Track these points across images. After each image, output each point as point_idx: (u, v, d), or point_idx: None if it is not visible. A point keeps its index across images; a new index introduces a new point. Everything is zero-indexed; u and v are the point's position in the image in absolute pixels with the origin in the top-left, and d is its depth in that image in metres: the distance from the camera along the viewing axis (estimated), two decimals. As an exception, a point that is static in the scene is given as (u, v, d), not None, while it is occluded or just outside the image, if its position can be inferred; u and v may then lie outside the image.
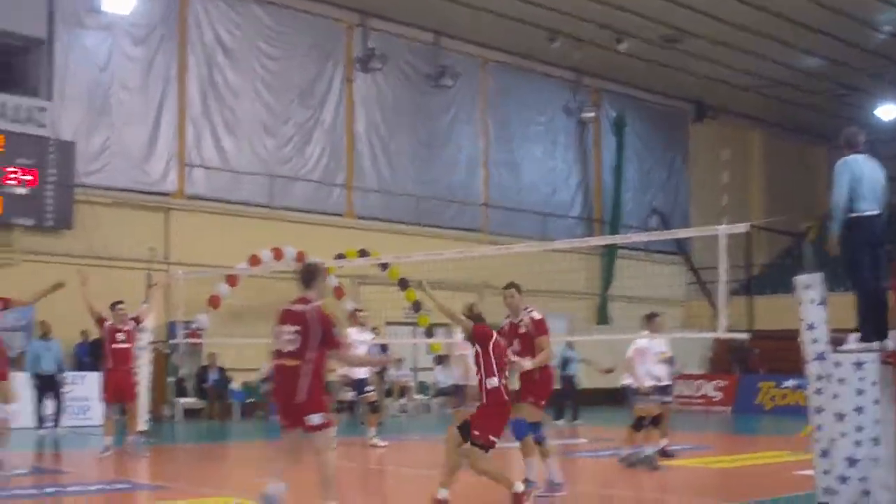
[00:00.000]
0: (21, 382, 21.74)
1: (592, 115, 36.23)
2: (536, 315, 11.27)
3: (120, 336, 15.65)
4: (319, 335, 9.03)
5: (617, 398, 31.02)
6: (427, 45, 32.00)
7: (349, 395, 18.23)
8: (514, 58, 34.16)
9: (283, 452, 9.36)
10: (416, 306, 27.24)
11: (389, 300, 26.77)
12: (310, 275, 9.45)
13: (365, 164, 30.45)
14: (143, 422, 18.72)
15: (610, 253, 35.17)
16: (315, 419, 8.96)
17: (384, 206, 30.59)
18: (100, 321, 15.68)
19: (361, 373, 17.48)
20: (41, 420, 20.31)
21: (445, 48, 32.24)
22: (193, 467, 15.31)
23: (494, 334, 9.99)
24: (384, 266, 26.41)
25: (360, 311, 18.58)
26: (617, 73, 36.13)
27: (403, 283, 27.08)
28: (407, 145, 31.58)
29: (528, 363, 10.90)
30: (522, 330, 11.15)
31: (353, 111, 30.33)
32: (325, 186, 29.38)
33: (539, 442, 11.09)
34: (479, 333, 9.94)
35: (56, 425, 20.13)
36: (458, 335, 14.79)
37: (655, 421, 14.88)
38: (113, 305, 15.79)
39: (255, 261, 25.15)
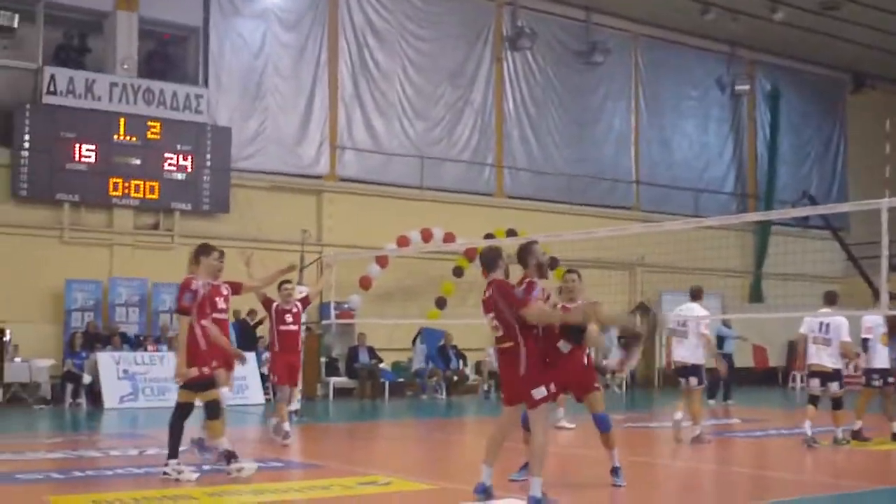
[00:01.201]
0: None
1: (746, 87, 35.55)
2: None
3: (288, 318, 14.87)
4: (510, 308, 9.20)
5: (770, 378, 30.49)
6: (577, 21, 31.80)
7: None
8: (665, 31, 33.69)
9: (497, 432, 9.49)
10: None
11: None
12: (488, 260, 9.63)
13: (515, 144, 30.44)
14: (295, 401, 19.12)
15: (763, 229, 34.52)
16: (538, 393, 9.10)
17: (534, 185, 30.55)
18: (266, 302, 14.89)
19: None
20: None
21: (596, 24, 31.97)
22: (345, 446, 15.53)
23: None
24: (533, 245, 26.34)
25: None
26: (772, 44, 35.31)
27: (553, 262, 26.97)
28: (557, 123, 31.43)
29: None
30: None
31: (502, 90, 30.34)
32: (474, 166, 29.50)
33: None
34: None
35: None
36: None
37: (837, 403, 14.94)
38: (280, 286, 15.17)
39: (403, 241, 25.40)
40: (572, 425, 16.63)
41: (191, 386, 10.96)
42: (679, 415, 15.19)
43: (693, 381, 15.22)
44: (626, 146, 33.07)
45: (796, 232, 34.07)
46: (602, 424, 10.86)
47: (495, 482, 9.41)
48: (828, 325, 14.79)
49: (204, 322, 11.02)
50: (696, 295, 15.77)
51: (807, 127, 37.91)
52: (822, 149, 38.45)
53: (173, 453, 10.90)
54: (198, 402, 11.16)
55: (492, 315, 9.32)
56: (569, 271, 11.35)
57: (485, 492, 9.27)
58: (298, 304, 15.17)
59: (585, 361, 10.84)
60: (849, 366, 15.21)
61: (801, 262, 30.10)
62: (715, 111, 35.60)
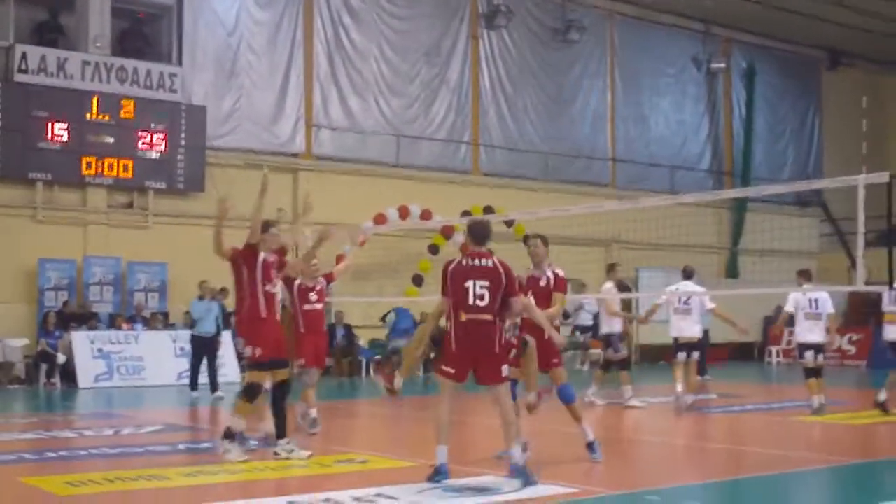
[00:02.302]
0: (163, 340, 22.42)
1: (722, 65, 35.57)
2: (560, 271, 11.08)
3: (312, 296, 13.51)
4: (504, 287, 9.22)
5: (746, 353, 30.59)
6: (553, -1, 31.71)
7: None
8: (641, 10, 33.64)
9: (443, 408, 9.35)
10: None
11: (516, 257, 26.64)
12: (485, 232, 9.72)
13: (491, 122, 30.36)
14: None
15: (740, 206, 34.63)
16: (505, 370, 9.22)
17: (510, 163, 30.49)
18: (287, 281, 13.19)
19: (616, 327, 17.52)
20: (193, 381, 19.63)
21: (572, 2, 31.87)
22: (322, 424, 15.43)
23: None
24: (509, 223, 26.33)
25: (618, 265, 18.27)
26: (748, 23, 35.29)
27: (527, 240, 26.91)
28: (533, 101, 31.35)
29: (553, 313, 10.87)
30: (542, 283, 10.96)
31: (478, 69, 30.23)
32: (451, 144, 29.42)
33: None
34: None
35: (213, 390, 19.37)
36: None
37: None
38: None
39: (380, 219, 25.33)
40: (643, 404, 16.86)
41: (258, 365, 11.02)
42: (680, 387, 15.79)
43: (695, 354, 16.09)
44: (603, 124, 33.04)
45: (772, 209, 34.18)
46: (566, 395, 10.75)
47: (481, 458, 9.37)
48: (816, 300, 15.30)
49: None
50: (689, 274, 16.57)
51: (782, 104, 37.98)
52: (797, 126, 38.53)
53: (281, 433, 11.11)
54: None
55: (486, 283, 9.19)
56: (533, 236, 11.29)
57: (446, 473, 9.18)
58: (323, 279, 13.90)
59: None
60: (832, 339, 15.66)
61: (777, 239, 30.21)
62: (691, 89, 35.60)
